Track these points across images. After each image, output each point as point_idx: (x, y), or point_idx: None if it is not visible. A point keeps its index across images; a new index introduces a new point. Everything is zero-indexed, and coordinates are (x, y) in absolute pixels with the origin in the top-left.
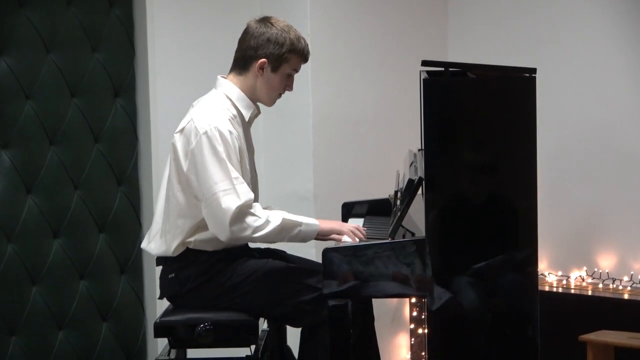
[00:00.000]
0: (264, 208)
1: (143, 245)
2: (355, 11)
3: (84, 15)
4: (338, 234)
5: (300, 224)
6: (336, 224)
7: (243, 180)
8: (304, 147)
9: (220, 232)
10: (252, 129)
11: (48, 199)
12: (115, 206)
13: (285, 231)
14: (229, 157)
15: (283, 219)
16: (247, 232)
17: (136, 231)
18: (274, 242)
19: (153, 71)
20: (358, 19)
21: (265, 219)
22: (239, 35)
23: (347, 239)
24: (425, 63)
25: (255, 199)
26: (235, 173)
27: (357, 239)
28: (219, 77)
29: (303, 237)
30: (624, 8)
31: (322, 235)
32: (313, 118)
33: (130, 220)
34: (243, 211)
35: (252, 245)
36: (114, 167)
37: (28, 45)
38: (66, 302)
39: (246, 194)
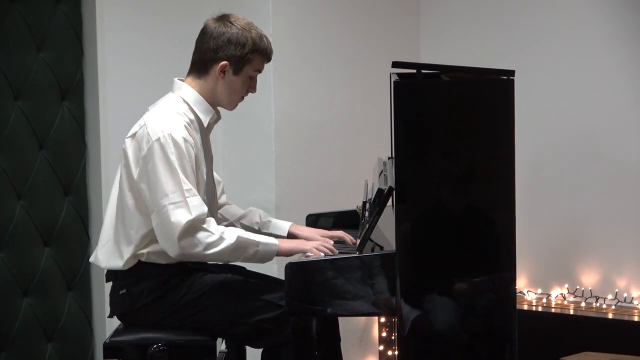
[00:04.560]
0: (244, 212)
1: (91, 259)
2: (321, 9)
3: (29, 12)
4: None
5: (257, 243)
6: (299, 242)
7: (196, 193)
8: (265, 154)
9: (169, 248)
10: (210, 134)
11: None
12: (61, 218)
13: (241, 250)
14: (182, 167)
15: (238, 236)
16: (198, 249)
17: (84, 245)
18: (228, 261)
19: (103, 72)
20: (324, 17)
21: (219, 236)
22: (197, 33)
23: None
24: (395, 64)
25: (214, 212)
26: (187, 185)
27: (322, 255)
28: (175, 79)
29: (260, 257)
30: (607, 10)
31: (282, 256)
32: (275, 123)
33: (77, 232)
34: (194, 226)
35: None
36: (60, 176)
37: None
38: (8, 321)
39: (198, 207)
